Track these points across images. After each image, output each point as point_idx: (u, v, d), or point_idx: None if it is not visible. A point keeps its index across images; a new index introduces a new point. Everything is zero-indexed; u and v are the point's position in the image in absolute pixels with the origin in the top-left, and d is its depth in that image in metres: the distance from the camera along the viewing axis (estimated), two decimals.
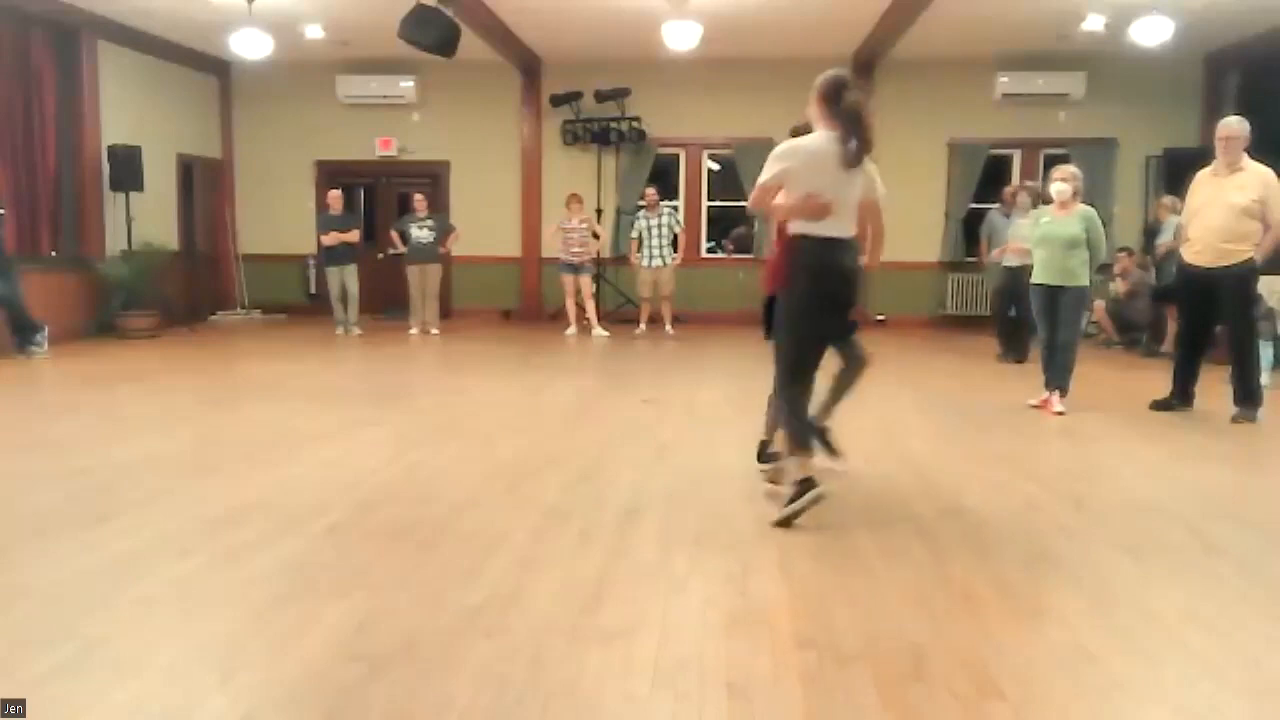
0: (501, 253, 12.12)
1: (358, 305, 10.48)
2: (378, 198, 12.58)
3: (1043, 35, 10.09)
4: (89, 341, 9.31)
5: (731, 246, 12.67)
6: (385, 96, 11.88)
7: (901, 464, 4.39)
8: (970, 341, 8.97)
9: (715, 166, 12.27)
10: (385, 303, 11.73)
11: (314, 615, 2.69)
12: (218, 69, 12.01)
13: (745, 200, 12.54)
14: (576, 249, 10.40)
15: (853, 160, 3.50)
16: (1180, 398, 6.04)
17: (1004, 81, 11.09)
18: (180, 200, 11.52)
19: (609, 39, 10.43)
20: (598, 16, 9.49)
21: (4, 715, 2.13)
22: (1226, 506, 3.98)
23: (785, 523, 3.53)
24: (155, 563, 3.12)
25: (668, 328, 10.54)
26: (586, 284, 10.63)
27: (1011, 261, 8.14)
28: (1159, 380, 6.34)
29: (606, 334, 10.42)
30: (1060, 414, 5.88)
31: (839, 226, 3.57)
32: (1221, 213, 5.64)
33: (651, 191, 10.55)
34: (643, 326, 10.68)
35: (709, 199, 12.17)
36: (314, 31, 10.18)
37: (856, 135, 3.48)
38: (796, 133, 3.81)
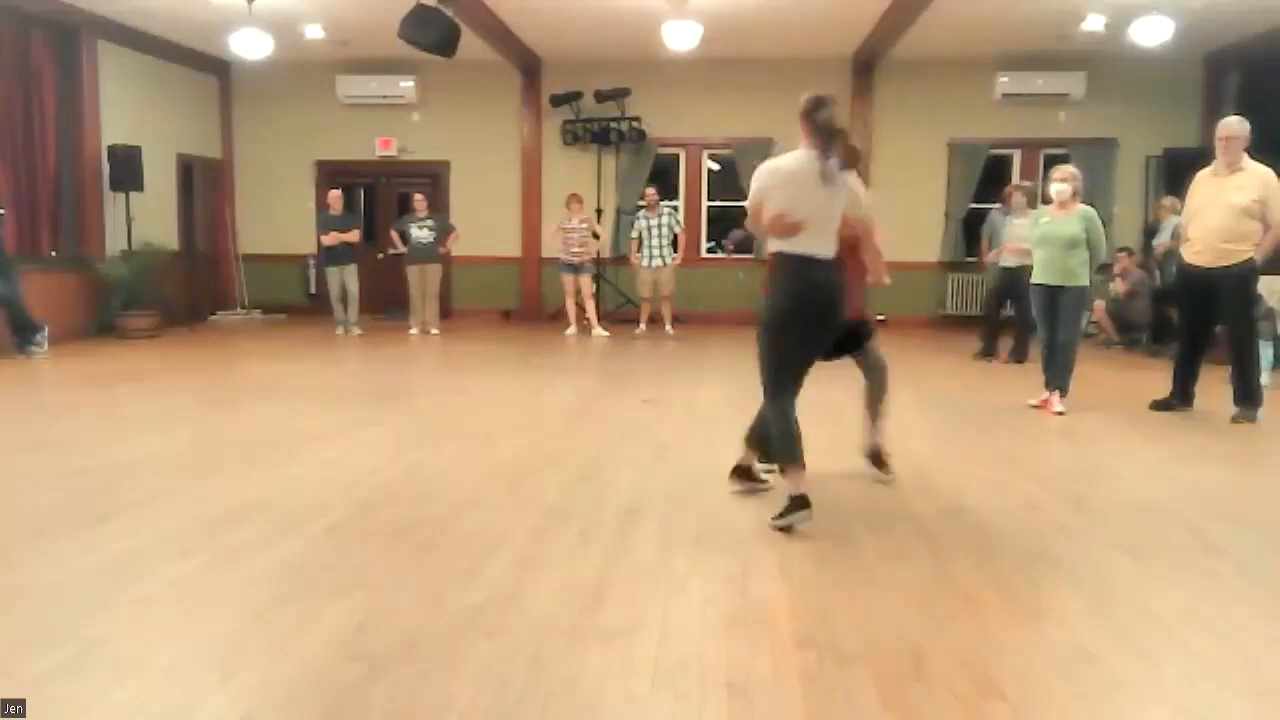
0: (501, 253, 12.13)
1: (358, 305, 10.49)
2: (378, 198, 12.58)
3: (1043, 35, 10.09)
4: (89, 341, 9.31)
5: (731, 246, 12.63)
6: (385, 96, 11.88)
7: (901, 464, 4.39)
8: (970, 341, 8.96)
9: (715, 166, 12.27)
10: (385, 303, 11.73)
11: (314, 615, 2.69)
12: (218, 69, 12.01)
13: (745, 201, 12.58)
14: (576, 249, 10.40)
15: (829, 177, 3.51)
16: (1180, 398, 6.05)
17: (1004, 81, 11.09)
18: (180, 200, 11.52)
19: (609, 39, 10.43)
20: (598, 16, 9.48)
21: (4, 715, 2.13)
22: (1226, 506, 3.98)
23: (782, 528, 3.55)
24: (155, 563, 3.12)
25: (668, 328, 10.54)
26: (586, 284, 10.63)
27: (1010, 262, 8.15)
28: (1159, 380, 6.34)
29: (606, 334, 10.41)
30: (1060, 414, 5.88)
31: (814, 244, 3.57)
32: (1221, 213, 5.64)
33: (651, 191, 10.55)
34: (643, 326, 10.68)
35: (709, 199, 12.17)
36: (314, 31, 10.18)
37: (833, 152, 3.51)
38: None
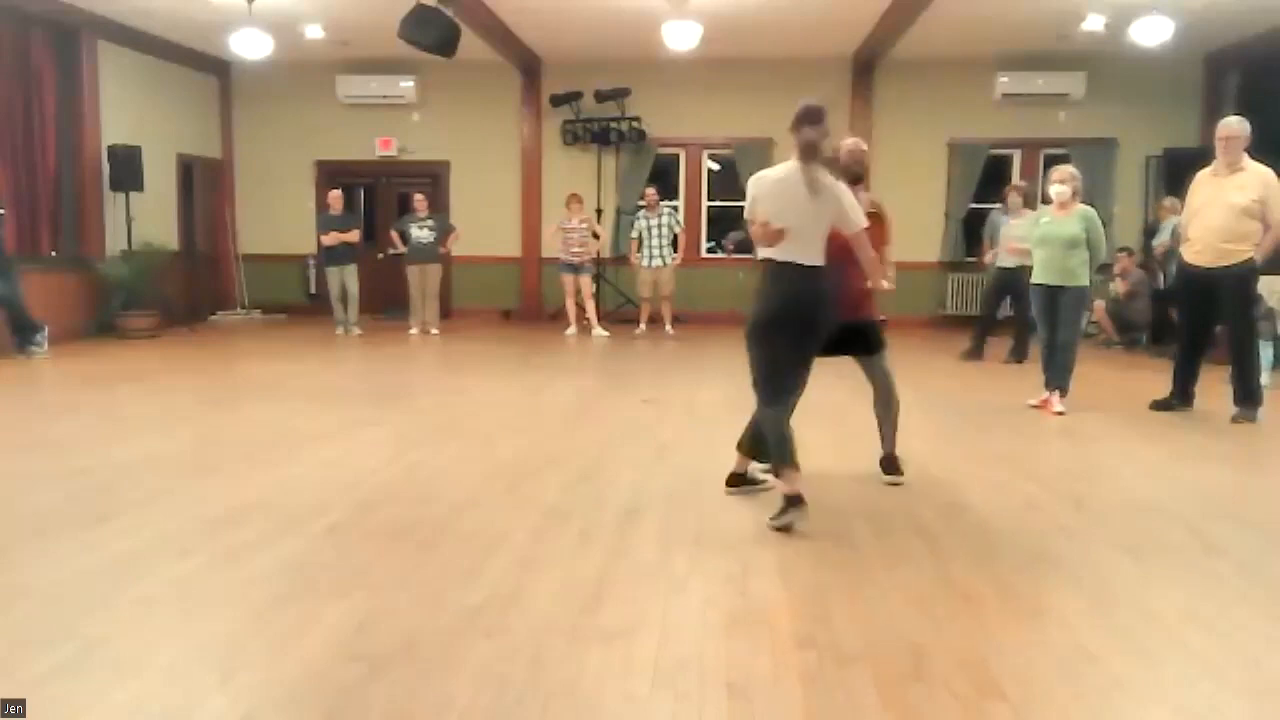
0: (501, 253, 12.13)
1: (358, 305, 10.49)
2: (378, 198, 12.58)
3: (1043, 35, 10.09)
4: (89, 341, 9.31)
5: (731, 247, 12.65)
6: (385, 96, 11.88)
7: (901, 464, 4.39)
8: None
9: (715, 166, 12.26)
10: (385, 303, 11.73)
11: (314, 615, 2.69)
12: (218, 69, 12.01)
13: (745, 202, 12.57)
14: (576, 249, 10.40)
15: (815, 189, 3.57)
16: (1180, 398, 6.04)
17: (1004, 81, 11.09)
18: (180, 200, 11.52)
19: (609, 39, 10.43)
20: (598, 16, 9.48)
21: (4, 715, 2.13)
22: (1226, 506, 3.98)
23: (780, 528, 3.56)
24: (155, 563, 3.12)
25: (668, 328, 10.54)
26: (586, 284, 10.63)
27: (1007, 262, 8.16)
28: (1159, 380, 6.34)
29: (606, 334, 10.41)
30: (1060, 414, 5.88)
31: (799, 252, 3.62)
32: (1221, 213, 5.64)
33: (651, 191, 10.55)
34: (643, 326, 10.68)
35: (709, 199, 12.17)
36: (314, 31, 10.18)
37: (813, 167, 3.58)
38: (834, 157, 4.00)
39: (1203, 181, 5.84)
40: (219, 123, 12.27)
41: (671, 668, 2.38)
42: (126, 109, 10.32)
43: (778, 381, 3.73)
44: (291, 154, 12.27)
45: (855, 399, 5.48)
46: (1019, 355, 8.41)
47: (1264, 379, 6.15)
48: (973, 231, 10.89)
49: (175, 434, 5.28)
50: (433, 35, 8.34)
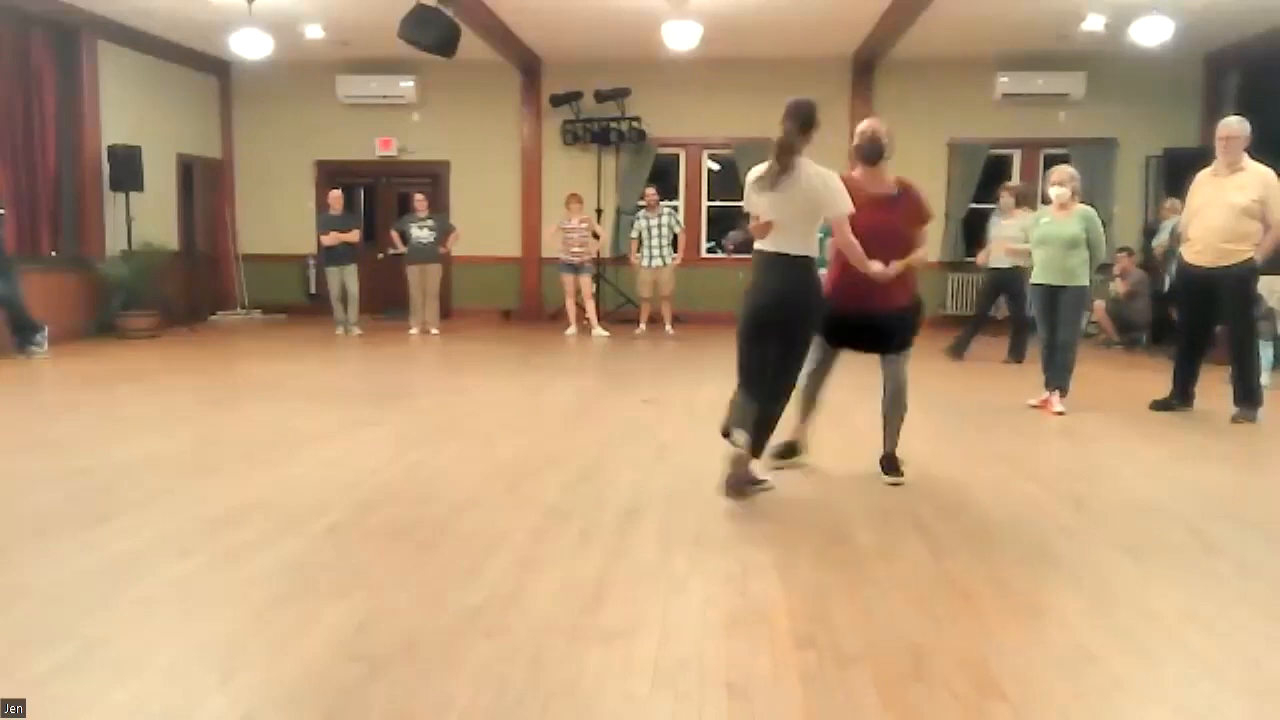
0: (501, 253, 12.13)
1: (358, 305, 10.49)
2: (378, 198, 12.59)
3: (1043, 35, 10.09)
4: (89, 341, 9.31)
5: (731, 247, 12.65)
6: (385, 96, 11.88)
7: (902, 464, 4.39)
8: (973, 342, 8.94)
9: (715, 166, 12.27)
10: (385, 303, 11.73)
11: (314, 615, 2.69)
12: (218, 69, 12.01)
13: (744, 203, 12.53)
14: (576, 249, 10.40)
15: (771, 183, 3.79)
16: (1180, 398, 6.04)
17: (1004, 81, 11.09)
18: (180, 200, 11.52)
19: (609, 39, 10.43)
20: (598, 16, 9.48)
21: (4, 715, 2.13)
22: (1226, 506, 3.98)
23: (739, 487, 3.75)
24: (155, 563, 3.12)
25: (668, 328, 10.54)
26: (586, 284, 10.63)
27: (1002, 262, 8.19)
28: (1159, 380, 6.34)
29: (606, 334, 10.42)
30: (1060, 414, 5.88)
31: (784, 242, 3.83)
32: (1222, 213, 5.64)
33: (651, 191, 10.55)
34: (643, 326, 10.68)
35: (709, 199, 12.17)
36: (314, 31, 10.18)
37: (778, 161, 3.79)
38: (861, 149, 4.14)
39: (1203, 181, 5.84)
40: (219, 123, 12.27)
41: (671, 668, 2.38)
42: (126, 109, 10.32)
43: (742, 360, 3.96)
44: (291, 154, 12.27)
45: (856, 399, 5.48)
46: (1017, 355, 8.41)
47: (1264, 379, 6.15)
48: (973, 232, 10.88)
49: (175, 434, 5.28)
50: (433, 35, 8.34)
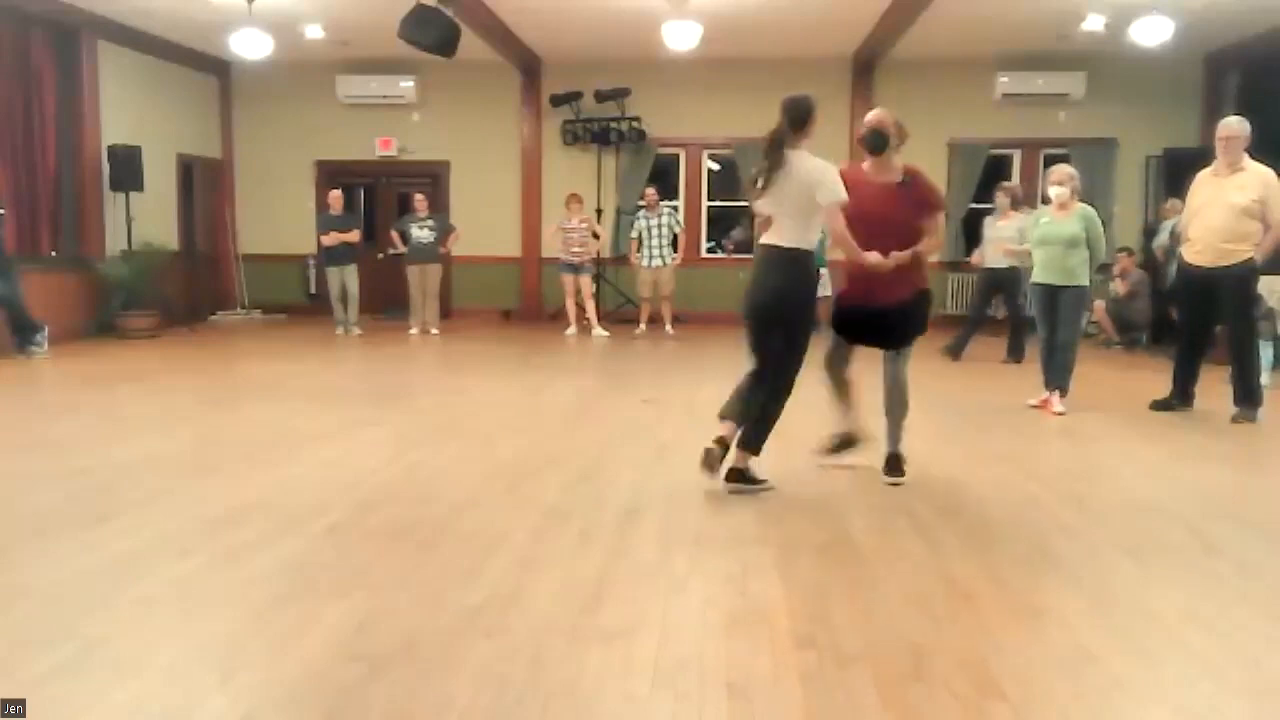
0: (501, 253, 12.13)
1: (358, 305, 10.49)
2: (378, 198, 12.59)
3: (1043, 35, 10.09)
4: (89, 341, 9.31)
5: (731, 246, 12.67)
6: (385, 96, 11.88)
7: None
8: (973, 341, 8.94)
9: (715, 166, 12.27)
10: (385, 303, 11.73)
11: (314, 615, 2.69)
12: (218, 69, 12.01)
13: (745, 201, 12.55)
14: (576, 249, 10.40)
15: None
16: (1180, 398, 6.04)
17: (1004, 81, 11.09)
18: (180, 200, 11.52)
19: (609, 39, 10.43)
20: (598, 16, 9.48)
21: (4, 715, 2.13)
22: (1226, 506, 3.98)
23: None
24: (155, 563, 3.12)
25: (668, 328, 10.54)
26: (586, 284, 10.63)
27: (997, 262, 8.23)
28: (1159, 380, 6.34)
29: (606, 334, 10.42)
30: (1060, 414, 5.88)
31: (776, 235, 3.97)
32: (1222, 213, 5.63)
33: (651, 191, 10.55)
34: (643, 326, 10.68)
35: (709, 199, 12.18)
36: (314, 31, 10.18)
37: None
38: (864, 140, 4.17)
39: (1203, 181, 5.84)
40: (219, 123, 12.27)
41: (671, 668, 2.38)
42: (126, 109, 10.32)
43: (749, 348, 4.07)
44: (291, 154, 12.27)
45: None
46: (1016, 355, 8.42)
47: (1264, 379, 6.15)
48: (973, 232, 10.86)
49: (175, 434, 5.28)
50: (433, 35, 8.34)
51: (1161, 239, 9.12)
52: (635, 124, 11.61)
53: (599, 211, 11.65)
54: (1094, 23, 9.23)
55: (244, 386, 7.31)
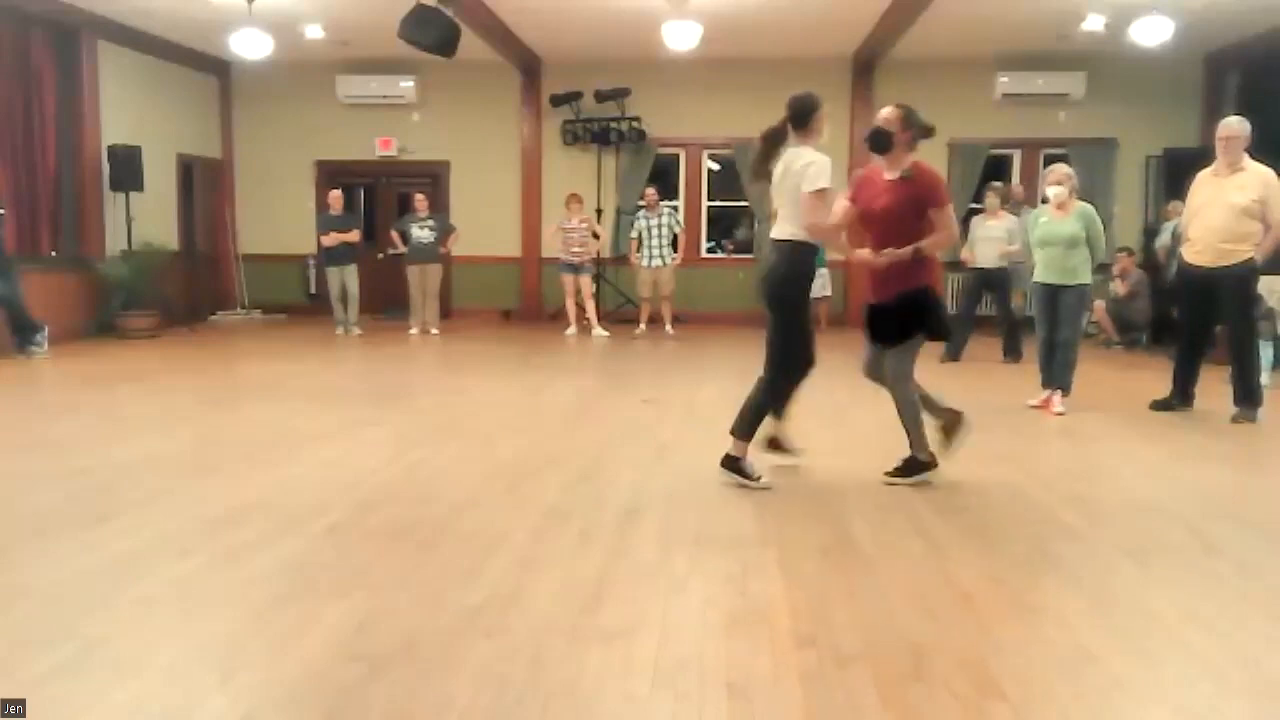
0: (501, 253, 12.12)
1: (358, 305, 10.49)
2: (378, 198, 12.59)
3: (1043, 35, 10.08)
4: (89, 341, 9.31)
5: (731, 246, 12.68)
6: (385, 96, 11.88)
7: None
8: (971, 342, 8.94)
9: (715, 166, 12.26)
10: (385, 303, 11.73)
11: (314, 615, 2.69)
12: (218, 69, 12.01)
13: (745, 200, 12.58)
14: (576, 249, 10.40)
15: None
16: (1180, 398, 6.04)
17: (1004, 81, 11.09)
18: (180, 200, 11.52)
19: (609, 39, 10.43)
20: (598, 16, 9.48)
21: (4, 715, 2.13)
22: (1226, 506, 3.98)
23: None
24: (155, 563, 3.12)
25: (668, 328, 10.54)
26: (586, 284, 10.63)
27: (986, 262, 8.25)
28: (1159, 380, 6.34)
29: (606, 334, 10.42)
30: (1060, 414, 5.88)
31: (777, 228, 4.10)
32: (1222, 213, 5.63)
33: (651, 191, 10.55)
34: (643, 326, 10.68)
35: (709, 199, 12.17)
36: (314, 31, 10.18)
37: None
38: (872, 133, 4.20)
39: (1203, 181, 5.84)
40: (219, 123, 12.27)
41: (671, 668, 2.38)
42: (126, 109, 10.32)
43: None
44: (291, 154, 12.27)
45: (855, 399, 5.49)
46: (1014, 354, 8.43)
47: (1264, 379, 6.15)
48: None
49: (175, 434, 5.28)
50: (433, 35, 8.34)
51: (1164, 239, 9.12)
52: (635, 124, 11.61)
53: (599, 211, 11.65)
54: (1094, 23, 9.23)
55: (244, 386, 7.31)
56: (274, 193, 12.32)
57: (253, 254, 12.41)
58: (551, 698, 2.24)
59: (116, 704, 2.18)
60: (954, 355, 8.60)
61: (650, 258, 10.39)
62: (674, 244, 10.57)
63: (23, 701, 2.17)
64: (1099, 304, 9.38)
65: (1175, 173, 9.52)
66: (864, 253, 4.01)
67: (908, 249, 3.99)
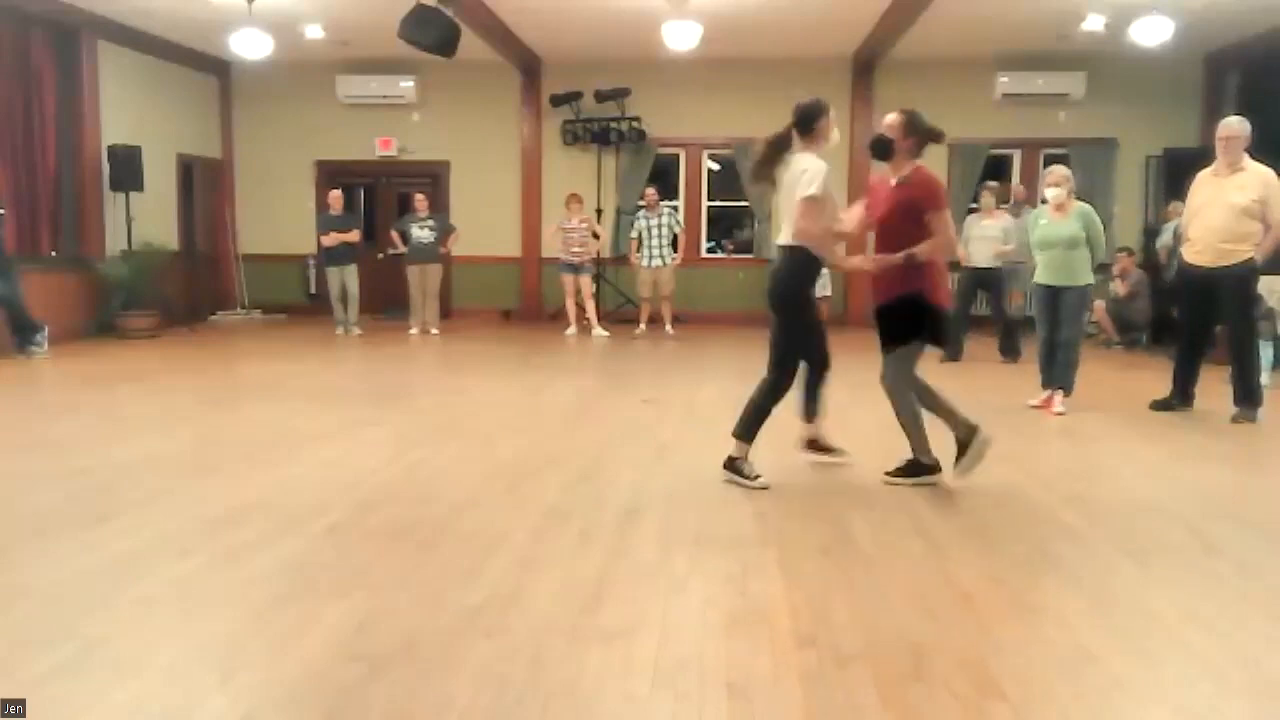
0: (501, 253, 12.12)
1: (358, 305, 10.49)
2: (378, 198, 12.59)
3: (1043, 35, 10.08)
4: (89, 341, 9.31)
5: (731, 246, 12.68)
6: (385, 96, 11.88)
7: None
8: (970, 342, 8.95)
9: (715, 166, 12.26)
10: (385, 303, 11.73)
11: (314, 615, 2.69)
12: (218, 69, 12.01)
13: (745, 200, 12.56)
14: (576, 249, 10.40)
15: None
16: (1180, 398, 6.04)
17: (1004, 81, 11.09)
18: (180, 200, 11.52)
19: (609, 39, 10.43)
20: (598, 16, 9.48)
21: (4, 715, 2.13)
22: (1226, 506, 3.98)
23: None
24: (155, 563, 3.12)
25: (668, 328, 10.54)
26: (586, 284, 10.63)
27: (982, 261, 8.24)
28: (1159, 380, 6.34)
29: (606, 334, 10.41)
30: (1060, 414, 5.88)
31: (782, 234, 4.14)
32: (1222, 213, 5.63)
33: (651, 191, 10.55)
34: (643, 326, 10.68)
35: (709, 199, 12.17)
36: (314, 31, 10.18)
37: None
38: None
39: (1203, 181, 5.84)
40: (219, 123, 12.27)
41: (671, 668, 2.38)
42: (126, 109, 10.32)
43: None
44: (291, 154, 12.27)
45: (855, 399, 5.49)
46: (1012, 354, 8.43)
47: (1264, 379, 6.15)
48: None
49: (175, 434, 5.28)
50: (433, 35, 8.34)
51: (1165, 239, 9.12)
52: (635, 124, 11.61)
53: (599, 211, 11.65)
54: (1094, 23, 9.23)
55: (244, 386, 7.30)
56: (274, 193, 12.32)
57: (253, 254, 12.41)
58: (551, 698, 2.24)
59: (116, 704, 2.18)
60: (954, 355, 8.60)
61: (650, 258, 10.39)
62: (674, 244, 10.57)
63: (23, 701, 2.17)
64: (1099, 304, 9.38)
65: (1175, 173, 9.52)
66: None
67: (899, 255, 4.01)
